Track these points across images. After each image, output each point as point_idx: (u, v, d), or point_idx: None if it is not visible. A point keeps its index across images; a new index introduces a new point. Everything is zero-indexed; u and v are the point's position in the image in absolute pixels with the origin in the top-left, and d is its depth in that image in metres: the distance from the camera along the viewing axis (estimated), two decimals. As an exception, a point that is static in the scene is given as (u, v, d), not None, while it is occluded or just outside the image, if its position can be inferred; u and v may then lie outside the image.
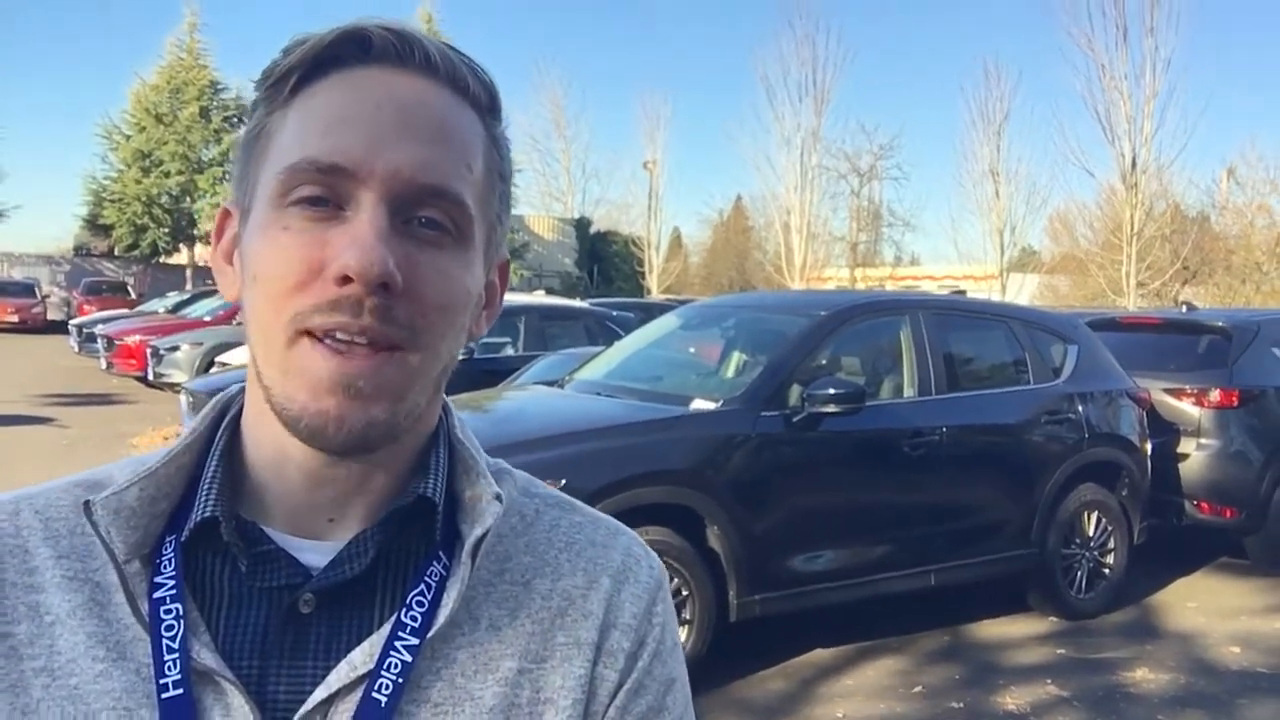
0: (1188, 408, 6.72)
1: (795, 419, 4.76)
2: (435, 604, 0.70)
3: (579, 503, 0.82)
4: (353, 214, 0.65)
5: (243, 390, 0.76)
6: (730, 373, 5.56)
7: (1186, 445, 6.67)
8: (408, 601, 0.70)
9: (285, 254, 0.65)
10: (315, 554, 0.70)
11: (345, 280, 0.63)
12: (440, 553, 0.72)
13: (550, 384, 5.92)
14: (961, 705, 4.50)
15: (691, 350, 6.35)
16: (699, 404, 4.76)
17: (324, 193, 0.66)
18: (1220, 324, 7.23)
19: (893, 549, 5.08)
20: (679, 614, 4.39)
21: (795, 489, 4.78)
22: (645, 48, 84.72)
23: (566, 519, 0.79)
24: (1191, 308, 8.97)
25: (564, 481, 4.15)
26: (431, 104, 0.69)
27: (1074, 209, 33.92)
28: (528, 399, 5.70)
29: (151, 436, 10.64)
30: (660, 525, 4.36)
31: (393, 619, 0.69)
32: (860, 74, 73.56)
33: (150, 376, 13.99)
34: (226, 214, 0.75)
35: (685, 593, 4.38)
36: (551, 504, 0.80)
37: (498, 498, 0.73)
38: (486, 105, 0.73)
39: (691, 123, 70.17)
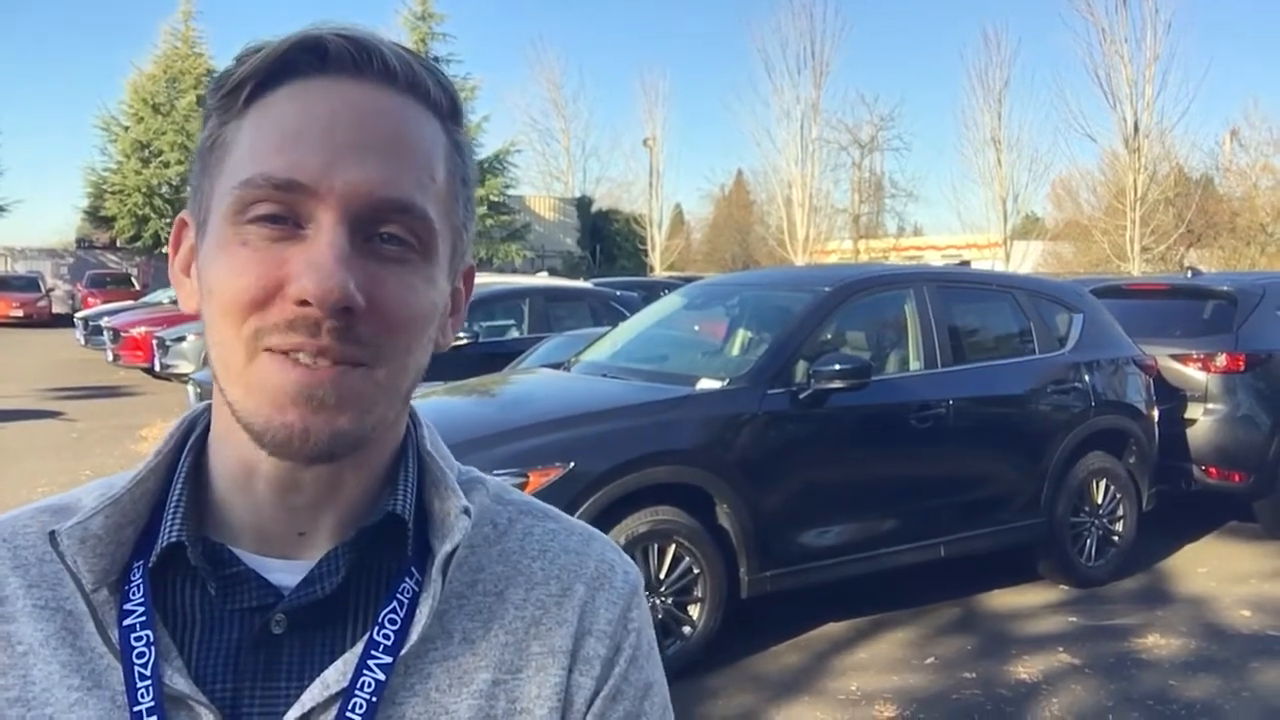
0: (1194, 373, 6.72)
1: (802, 395, 4.77)
2: (408, 620, 0.70)
3: (553, 509, 0.82)
4: (312, 233, 0.64)
5: (208, 409, 0.75)
6: (736, 351, 5.56)
7: (1194, 411, 6.67)
8: (380, 619, 0.69)
9: (242, 270, 0.64)
10: (285, 573, 0.70)
11: (304, 303, 0.62)
12: (412, 568, 0.72)
13: (556, 366, 5.93)
14: (974, 675, 4.52)
15: (696, 329, 6.35)
16: (705, 383, 4.77)
17: (281, 210, 0.64)
18: (1225, 288, 7.21)
19: (902, 522, 5.09)
20: (690, 593, 4.41)
21: (803, 465, 4.79)
22: (642, 23, 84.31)
23: (540, 526, 0.78)
24: (1197, 272, 8.94)
25: (573, 464, 4.17)
26: (390, 113, 0.67)
27: (1077, 175, 33.78)
28: (534, 382, 5.71)
29: (159, 428, 10.68)
30: (670, 505, 4.38)
31: (365, 637, 0.69)
32: (859, 44, 73.18)
33: (157, 368, 14.01)
34: (183, 224, 0.74)
35: (696, 571, 4.40)
36: (524, 511, 0.79)
37: (466, 511, 0.72)
38: (448, 110, 0.71)
39: (690, 98, 69.67)
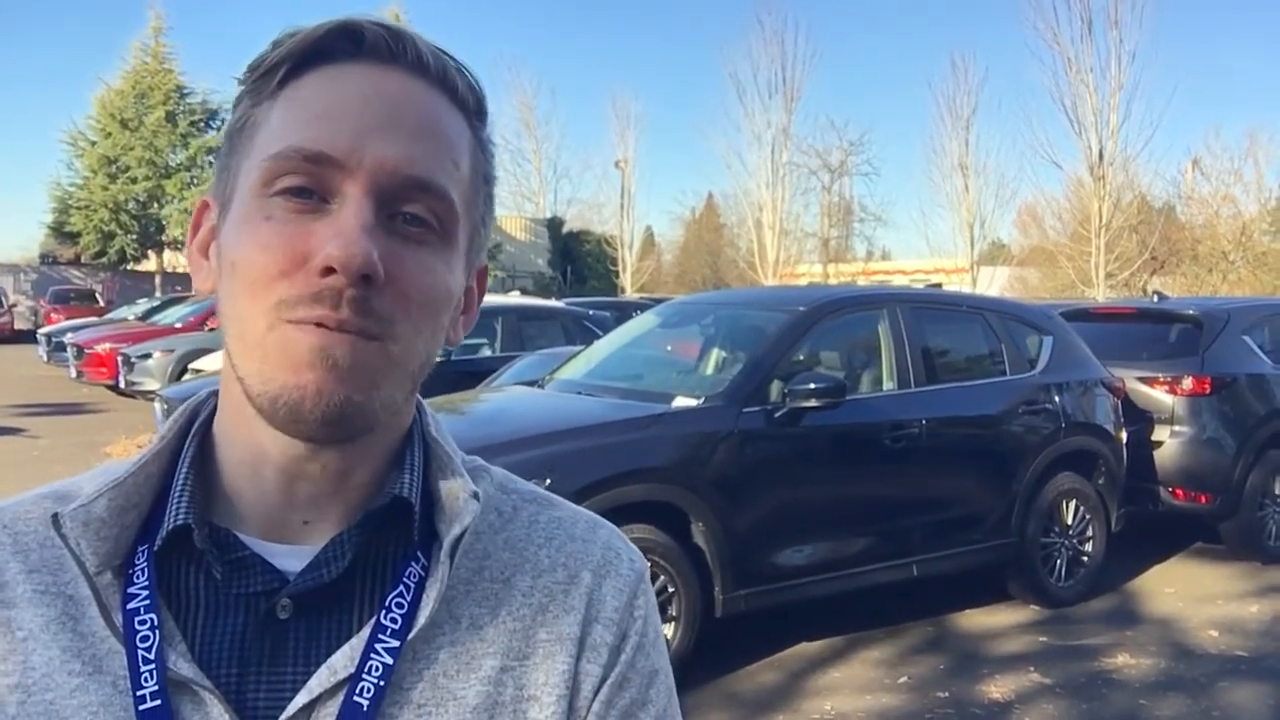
0: (1161, 396, 6.80)
1: (777, 414, 4.78)
2: (415, 605, 0.69)
3: (557, 497, 0.82)
4: (338, 206, 0.65)
5: (212, 395, 0.75)
6: (710, 370, 5.57)
7: (1161, 433, 6.75)
8: (386, 603, 0.69)
9: (267, 243, 0.65)
10: (290, 559, 0.70)
11: (328, 271, 0.63)
12: (418, 553, 0.72)
13: (530, 384, 5.92)
14: (947, 695, 4.53)
15: (670, 348, 6.36)
16: (681, 401, 4.77)
17: (309, 183, 0.65)
18: (1191, 312, 7.32)
19: (875, 541, 5.11)
20: (664, 611, 4.39)
21: (778, 484, 4.80)
22: (614, 46, 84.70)
23: (545, 514, 0.79)
24: (1163, 297, 9.07)
25: (548, 481, 4.15)
26: (420, 101, 0.68)
27: (1042, 201, 34.31)
28: (508, 400, 5.69)
29: (125, 445, 10.54)
30: (645, 523, 4.37)
31: (372, 621, 0.69)
32: (829, 71, 73.80)
33: (122, 384, 13.83)
34: (205, 205, 0.74)
35: (671, 589, 4.39)
36: (529, 499, 0.80)
37: (475, 496, 0.72)
38: (474, 108, 0.73)
39: (662, 121, 70.29)
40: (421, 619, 0.68)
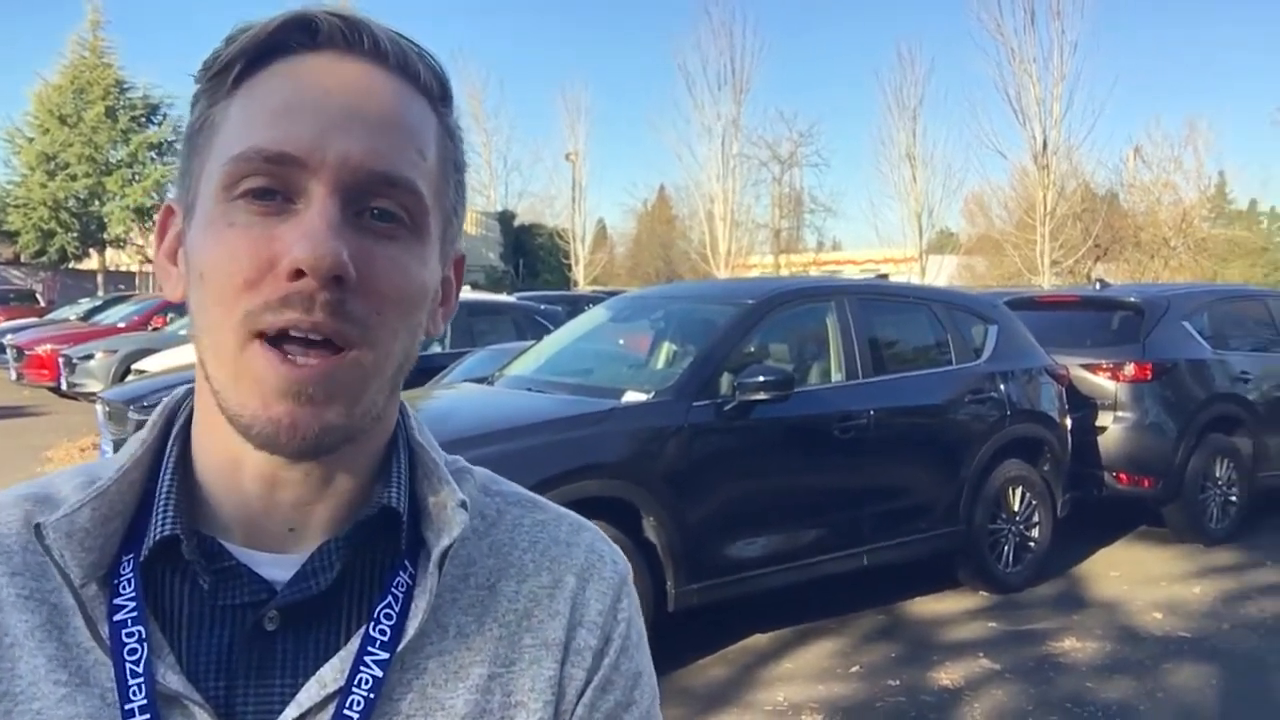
0: (1104, 382, 6.92)
1: (727, 408, 4.79)
2: (403, 616, 0.69)
3: (541, 499, 0.81)
4: (303, 207, 0.63)
5: (188, 395, 0.73)
6: (661, 364, 5.57)
7: (1104, 419, 6.87)
8: (375, 614, 0.68)
9: (233, 250, 0.63)
10: (276, 568, 0.68)
11: (297, 275, 0.61)
12: (405, 562, 0.71)
13: (480, 381, 5.87)
14: (898, 683, 4.57)
15: (620, 342, 6.35)
16: (631, 396, 4.76)
17: (272, 184, 0.63)
18: (1133, 300, 7.46)
19: (826, 532, 5.14)
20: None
21: (729, 477, 4.81)
22: (563, 37, 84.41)
23: (529, 517, 0.78)
24: (1105, 284, 9.23)
25: (498, 479, 4.12)
26: (381, 91, 0.66)
27: (988, 191, 34.70)
28: (458, 397, 5.64)
29: (67, 449, 10.32)
30: (596, 519, 4.32)
31: (361, 633, 0.68)
32: (778, 63, 74.20)
33: (63, 386, 13.54)
34: (170, 211, 0.72)
35: (623, 585, 4.37)
36: (513, 502, 0.79)
37: (463, 505, 0.71)
38: (438, 94, 0.71)
39: (613, 114, 70.18)
40: (411, 630, 0.68)
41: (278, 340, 0.62)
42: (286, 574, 0.68)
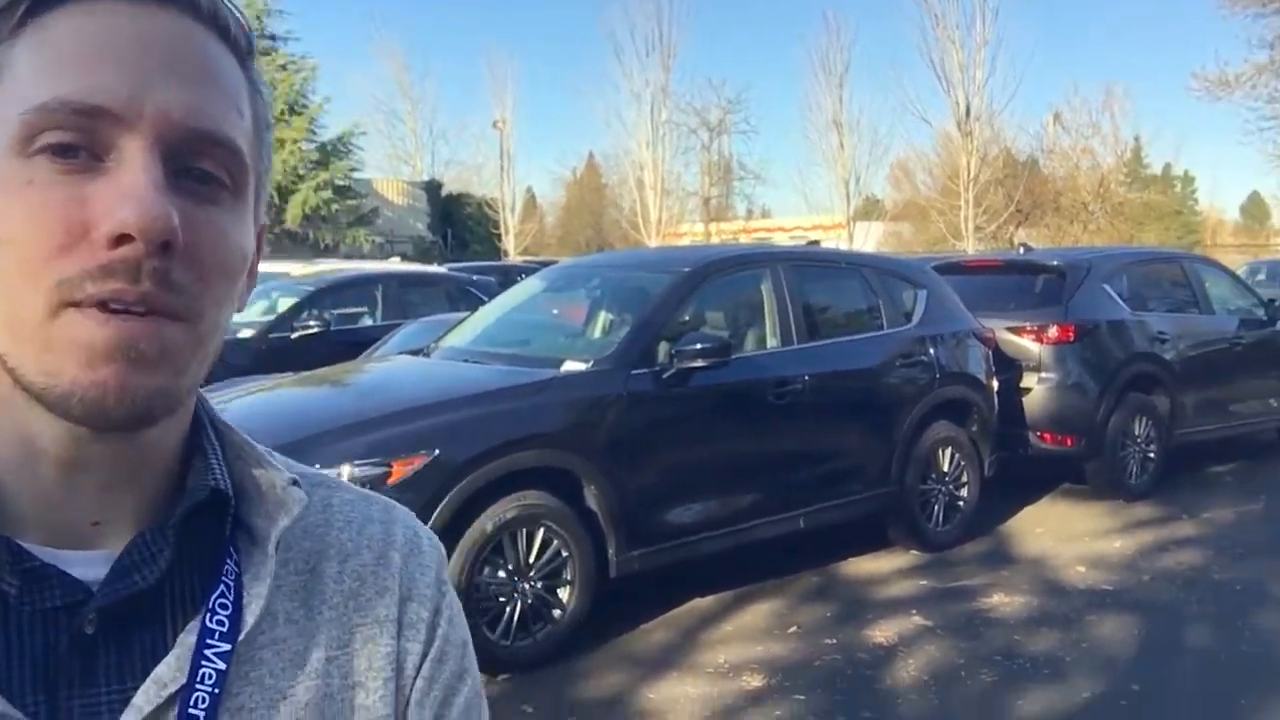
0: (1028, 344, 7.10)
1: (665, 375, 4.82)
2: (238, 605, 0.65)
3: (341, 480, 0.80)
4: (114, 164, 0.57)
5: None
6: (598, 333, 5.58)
7: (1029, 380, 7.06)
8: (210, 605, 0.64)
9: (35, 213, 0.56)
10: (87, 566, 0.61)
11: (119, 240, 0.55)
12: (231, 548, 0.67)
13: (415, 353, 5.83)
14: (834, 642, 4.68)
15: (556, 312, 6.34)
16: (570, 365, 4.77)
17: (77, 139, 0.56)
18: (1055, 263, 7.65)
19: (763, 496, 5.22)
20: (559, 575, 4.42)
21: (668, 444, 4.85)
22: (490, 3, 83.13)
23: (337, 497, 0.76)
24: (1028, 249, 9.44)
25: (437, 452, 4.12)
26: (196, 44, 0.61)
27: (914, 157, 35.23)
28: (393, 369, 5.59)
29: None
30: (537, 489, 4.37)
31: (197, 626, 0.63)
32: (706, 28, 74.03)
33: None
34: None
35: (565, 554, 4.40)
36: (316, 483, 0.76)
37: (295, 483, 0.69)
38: (245, 49, 0.65)
39: (540, 81, 69.43)
40: (250, 619, 0.65)
41: (94, 307, 0.57)
42: (98, 571, 0.61)
